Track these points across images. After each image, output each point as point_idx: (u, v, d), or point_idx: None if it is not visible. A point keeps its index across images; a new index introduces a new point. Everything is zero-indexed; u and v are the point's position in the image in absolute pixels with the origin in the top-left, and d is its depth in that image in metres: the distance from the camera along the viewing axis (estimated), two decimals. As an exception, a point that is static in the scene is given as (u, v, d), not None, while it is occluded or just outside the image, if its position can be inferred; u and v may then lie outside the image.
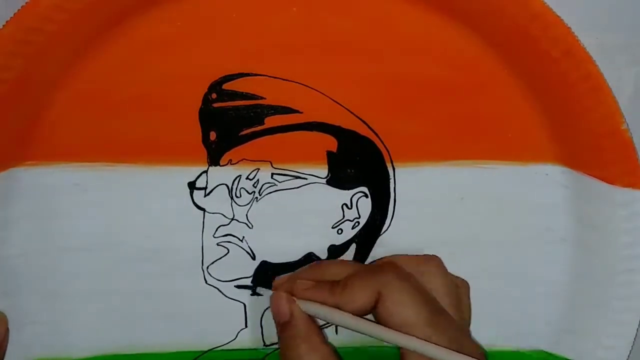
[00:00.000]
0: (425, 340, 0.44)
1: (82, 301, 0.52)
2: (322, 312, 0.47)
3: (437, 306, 0.47)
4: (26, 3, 0.46)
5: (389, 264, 0.48)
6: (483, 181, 0.53)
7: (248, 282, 0.53)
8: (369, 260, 0.54)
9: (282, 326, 0.47)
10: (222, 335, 0.54)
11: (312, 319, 0.47)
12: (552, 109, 0.51)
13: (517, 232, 0.53)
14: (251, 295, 0.53)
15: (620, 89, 0.49)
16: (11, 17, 0.46)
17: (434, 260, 0.50)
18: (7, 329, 0.51)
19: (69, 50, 0.48)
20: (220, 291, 0.53)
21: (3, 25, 0.47)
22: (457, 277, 0.51)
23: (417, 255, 0.51)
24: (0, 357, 0.50)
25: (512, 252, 0.54)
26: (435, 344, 0.44)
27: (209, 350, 0.54)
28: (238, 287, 0.53)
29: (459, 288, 0.50)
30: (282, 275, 0.50)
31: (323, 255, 0.53)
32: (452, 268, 0.53)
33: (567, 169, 0.52)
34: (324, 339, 0.47)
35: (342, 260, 0.53)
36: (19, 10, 0.46)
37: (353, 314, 0.46)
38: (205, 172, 0.52)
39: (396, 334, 0.45)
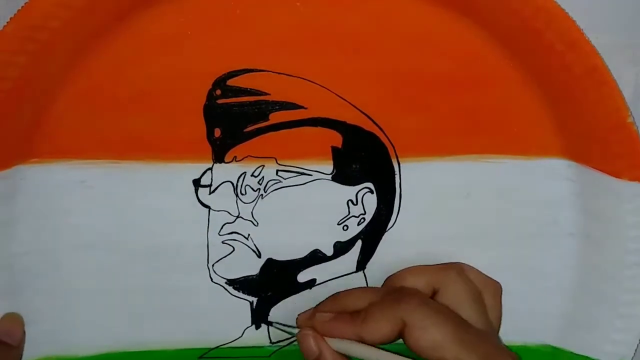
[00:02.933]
0: None
1: (88, 299, 0.52)
2: (346, 347, 0.47)
3: (463, 324, 0.47)
4: (29, 0, 0.46)
5: (408, 290, 0.48)
6: (489, 175, 0.52)
7: (254, 279, 0.53)
8: (375, 256, 0.54)
9: None
10: (229, 332, 0.54)
11: (341, 354, 0.47)
12: (558, 102, 0.51)
13: (523, 226, 0.53)
14: (272, 326, 0.53)
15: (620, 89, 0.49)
16: (14, 15, 0.46)
17: (453, 269, 0.50)
18: (24, 332, 0.51)
19: (73, 47, 0.48)
20: (226, 289, 0.53)
21: (6, 23, 0.46)
22: (487, 278, 0.51)
23: (437, 265, 0.51)
24: (18, 358, 0.50)
25: (519, 247, 0.53)
26: None
27: (215, 347, 0.54)
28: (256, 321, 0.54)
29: (484, 292, 0.50)
30: (304, 312, 0.50)
31: (329, 252, 0.53)
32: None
33: (573, 162, 0.52)
34: None
35: (361, 288, 0.52)
36: (22, 7, 0.46)
37: (377, 343, 0.46)
38: (210, 169, 0.52)
39: None
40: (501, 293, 0.52)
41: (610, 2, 0.54)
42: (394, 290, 0.49)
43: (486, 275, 0.51)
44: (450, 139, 0.52)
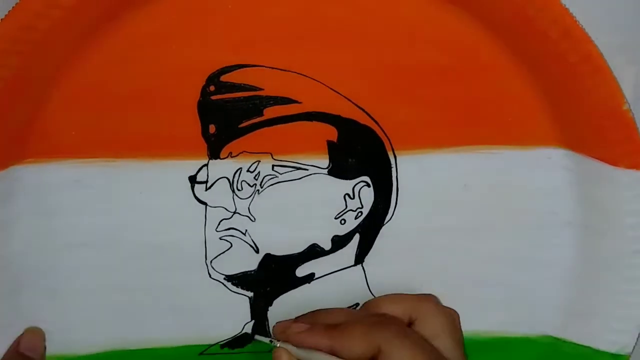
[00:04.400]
0: None
1: (86, 298, 0.52)
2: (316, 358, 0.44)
3: (440, 358, 0.45)
4: (19, 0, 0.46)
5: (391, 319, 0.46)
6: (485, 167, 0.52)
7: (252, 275, 0.53)
8: (373, 250, 0.54)
9: None
10: (228, 328, 0.53)
11: None
12: (553, 91, 0.50)
13: (521, 216, 0.53)
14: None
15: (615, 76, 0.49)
16: (5, 15, 0.46)
17: (430, 300, 0.47)
18: (45, 346, 0.51)
19: (65, 46, 0.48)
20: (225, 285, 0.53)
21: (-4, 24, 0.46)
22: (448, 308, 0.48)
23: (412, 295, 0.48)
24: None
25: (517, 237, 0.53)
26: None
27: (215, 343, 0.53)
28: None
29: (455, 322, 0.47)
30: (281, 322, 0.47)
31: (327, 246, 0.53)
32: (457, 256, 0.53)
33: (569, 151, 0.52)
34: None
35: (341, 308, 0.50)
36: (12, 7, 0.46)
37: (349, 359, 0.44)
38: (206, 165, 0.52)
39: None
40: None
41: (610, 2, 0.54)
42: (375, 314, 0.47)
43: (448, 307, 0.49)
44: (446, 130, 0.52)
